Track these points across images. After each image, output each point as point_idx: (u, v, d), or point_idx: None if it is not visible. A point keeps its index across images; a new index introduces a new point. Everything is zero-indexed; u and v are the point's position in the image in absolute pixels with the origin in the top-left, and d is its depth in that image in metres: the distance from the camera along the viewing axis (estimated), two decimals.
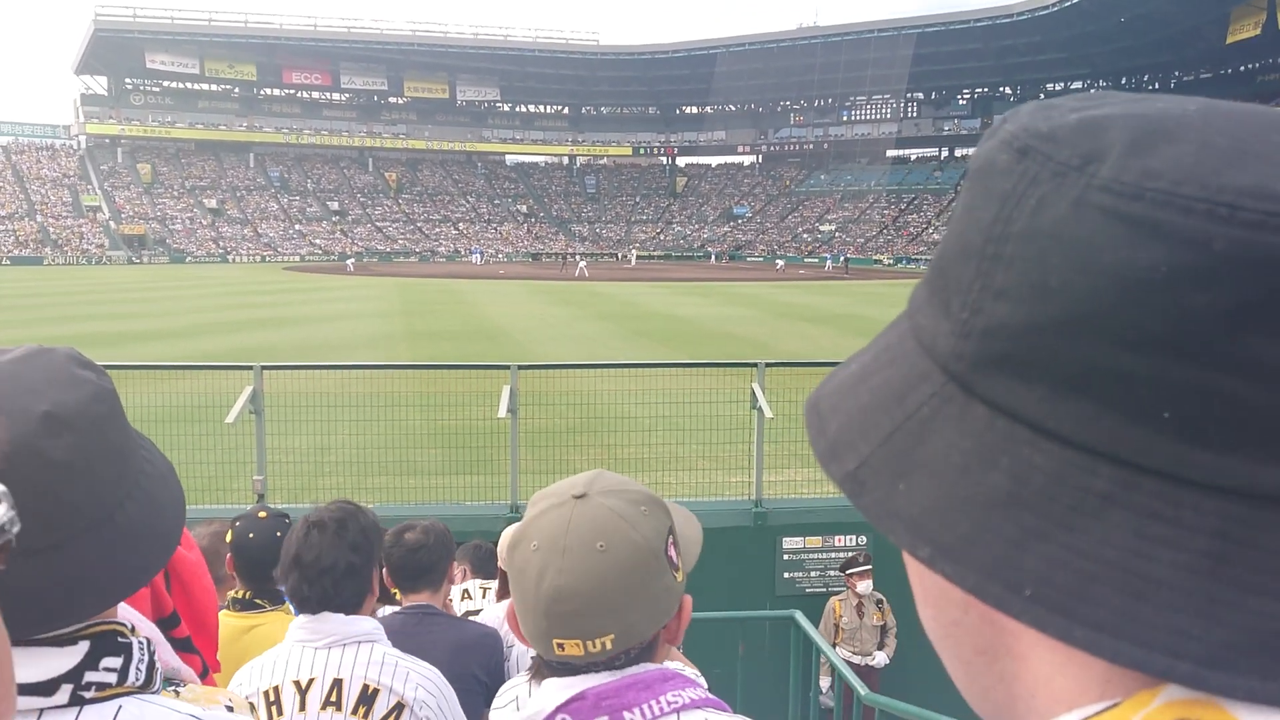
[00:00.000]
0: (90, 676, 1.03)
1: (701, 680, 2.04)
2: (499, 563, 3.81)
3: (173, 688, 1.22)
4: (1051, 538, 0.41)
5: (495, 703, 1.74)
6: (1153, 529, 0.40)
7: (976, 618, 0.46)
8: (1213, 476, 0.40)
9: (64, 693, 1.01)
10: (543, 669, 1.41)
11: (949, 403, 0.46)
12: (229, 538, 3.12)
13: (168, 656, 1.27)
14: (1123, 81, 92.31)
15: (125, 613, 1.21)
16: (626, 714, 1.31)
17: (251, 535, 3.08)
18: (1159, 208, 0.40)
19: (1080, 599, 0.40)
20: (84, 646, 1.04)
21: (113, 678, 1.05)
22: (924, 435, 0.46)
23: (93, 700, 1.03)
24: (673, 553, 1.37)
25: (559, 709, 1.33)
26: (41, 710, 0.99)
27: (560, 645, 1.33)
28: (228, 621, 3.00)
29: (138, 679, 1.08)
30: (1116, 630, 0.40)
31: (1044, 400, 0.43)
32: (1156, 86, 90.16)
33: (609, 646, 1.32)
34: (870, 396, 0.49)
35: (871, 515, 0.46)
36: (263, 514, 3.18)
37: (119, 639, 1.08)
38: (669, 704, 1.33)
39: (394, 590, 3.21)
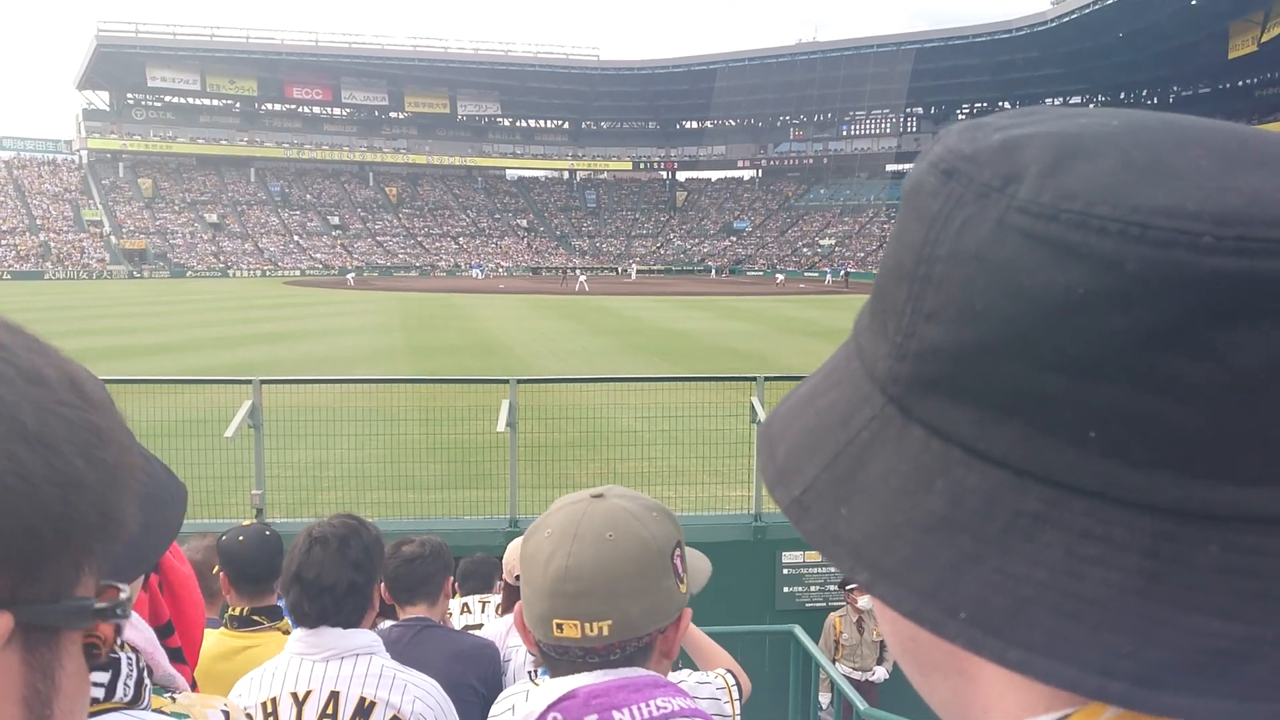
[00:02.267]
0: None
1: (735, 691, 2.04)
2: (503, 575, 3.80)
3: (168, 694, 1.21)
4: (986, 560, 0.42)
5: (493, 710, 1.74)
6: (1084, 549, 0.40)
7: (928, 636, 0.45)
8: (1142, 495, 0.40)
9: None
10: (547, 666, 1.45)
11: (888, 425, 0.46)
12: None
13: (164, 663, 1.26)
14: (1121, 96, 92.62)
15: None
16: (615, 713, 1.34)
17: (241, 539, 3.09)
18: (1074, 229, 0.40)
19: (1014, 621, 0.40)
20: None
21: (100, 693, 1.03)
22: (865, 459, 0.46)
23: None
24: (678, 562, 1.42)
25: (550, 707, 1.37)
26: None
27: (559, 626, 1.36)
28: (222, 640, 2.99)
29: (125, 694, 1.06)
30: (1049, 651, 0.39)
31: (975, 422, 0.43)
32: (1155, 102, 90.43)
33: (605, 633, 1.35)
34: (817, 419, 0.50)
35: (815, 541, 0.46)
36: (247, 522, 3.19)
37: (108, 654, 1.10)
38: (658, 709, 1.35)
39: (393, 604, 3.21)
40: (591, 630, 1.35)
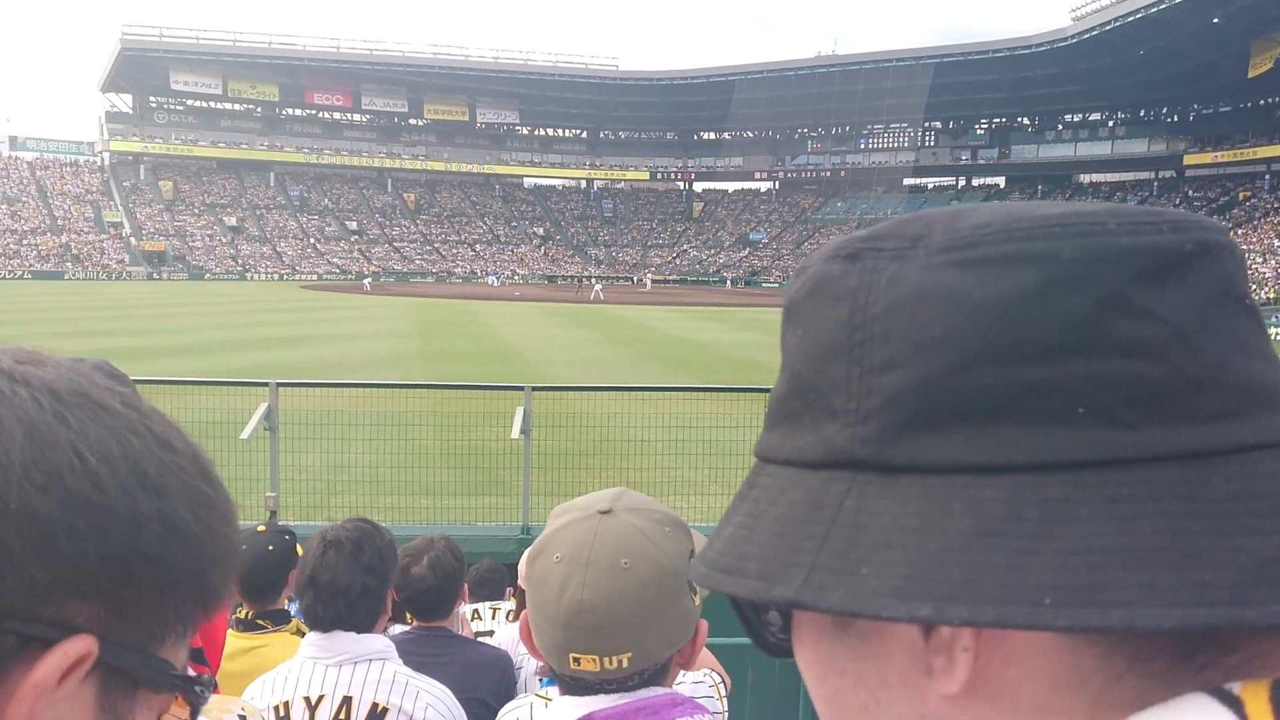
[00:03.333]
0: None
1: (722, 688, 2.06)
2: (519, 580, 3.80)
3: None
4: (1039, 550, 0.43)
5: None
6: (1121, 510, 0.43)
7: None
8: (1142, 450, 0.43)
9: None
10: (556, 680, 1.41)
11: (870, 487, 0.47)
12: None
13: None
14: (1141, 114, 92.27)
15: None
16: None
17: (243, 548, 3.07)
18: (1003, 243, 0.45)
19: (1099, 588, 0.41)
20: None
21: None
22: (861, 524, 0.46)
23: None
24: None
25: None
26: None
27: (576, 660, 1.32)
28: (230, 640, 3.00)
29: None
30: (1146, 600, 0.41)
31: (968, 440, 0.45)
32: (1175, 119, 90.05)
33: (625, 665, 1.31)
34: (779, 524, 0.49)
35: (848, 607, 0.45)
36: (261, 528, 3.18)
37: None
38: None
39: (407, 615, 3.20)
40: (611, 664, 1.31)
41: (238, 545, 0.62)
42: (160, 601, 0.55)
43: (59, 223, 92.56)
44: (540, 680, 2.57)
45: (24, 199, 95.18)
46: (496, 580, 5.12)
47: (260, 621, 3.09)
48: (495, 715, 2.86)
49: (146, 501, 0.53)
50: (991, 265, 0.45)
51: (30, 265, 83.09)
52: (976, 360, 0.45)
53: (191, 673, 0.59)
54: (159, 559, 0.54)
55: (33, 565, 0.49)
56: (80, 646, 0.51)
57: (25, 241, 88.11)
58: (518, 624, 3.73)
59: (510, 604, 4.49)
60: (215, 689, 1.57)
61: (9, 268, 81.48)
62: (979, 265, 0.45)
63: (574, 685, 1.37)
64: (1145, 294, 0.44)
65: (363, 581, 2.34)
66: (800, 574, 0.47)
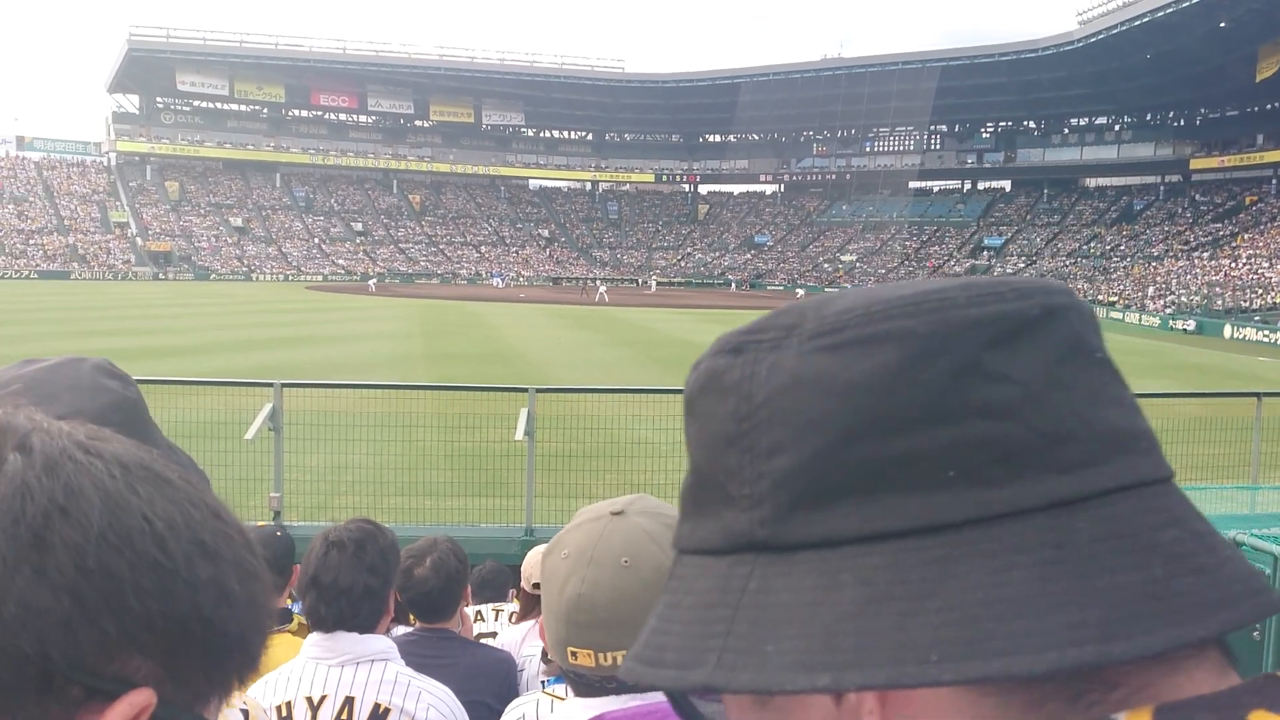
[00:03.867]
0: None
1: None
2: (520, 583, 3.79)
3: None
4: (922, 610, 0.45)
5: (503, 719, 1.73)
6: (993, 563, 0.46)
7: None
8: (1011, 505, 0.47)
9: None
10: (565, 680, 1.43)
11: (770, 567, 0.49)
12: None
13: None
14: (1147, 118, 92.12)
15: None
16: None
17: None
18: (866, 324, 0.49)
19: (977, 641, 0.44)
20: None
21: None
22: (764, 603, 0.49)
23: None
24: None
25: None
26: None
27: (574, 654, 1.35)
28: None
29: None
30: (1020, 648, 0.43)
31: (853, 513, 0.48)
32: (1182, 123, 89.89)
33: (619, 663, 1.33)
34: (692, 613, 0.52)
35: (757, 686, 0.47)
36: (259, 524, 3.18)
37: None
38: None
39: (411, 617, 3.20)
40: (605, 660, 1.32)
41: (274, 614, 0.66)
42: (209, 664, 0.59)
43: (65, 222, 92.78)
44: (544, 681, 2.56)
45: (31, 199, 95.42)
46: (500, 582, 5.12)
47: None
48: (498, 717, 2.87)
49: (204, 567, 0.57)
50: (857, 347, 0.48)
51: (36, 265, 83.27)
52: (852, 437, 0.48)
53: None
54: (212, 622, 0.57)
55: (105, 620, 0.53)
56: (143, 699, 0.54)
57: (32, 241, 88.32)
58: (520, 626, 3.73)
59: (514, 605, 4.49)
60: None
61: (15, 267, 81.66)
62: (846, 348, 0.49)
63: (578, 682, 1.39)
64: (997, 359, 0.48)
65: (365, 582, 2.34)
66: (712, 658, 0.49)
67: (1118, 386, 0.52)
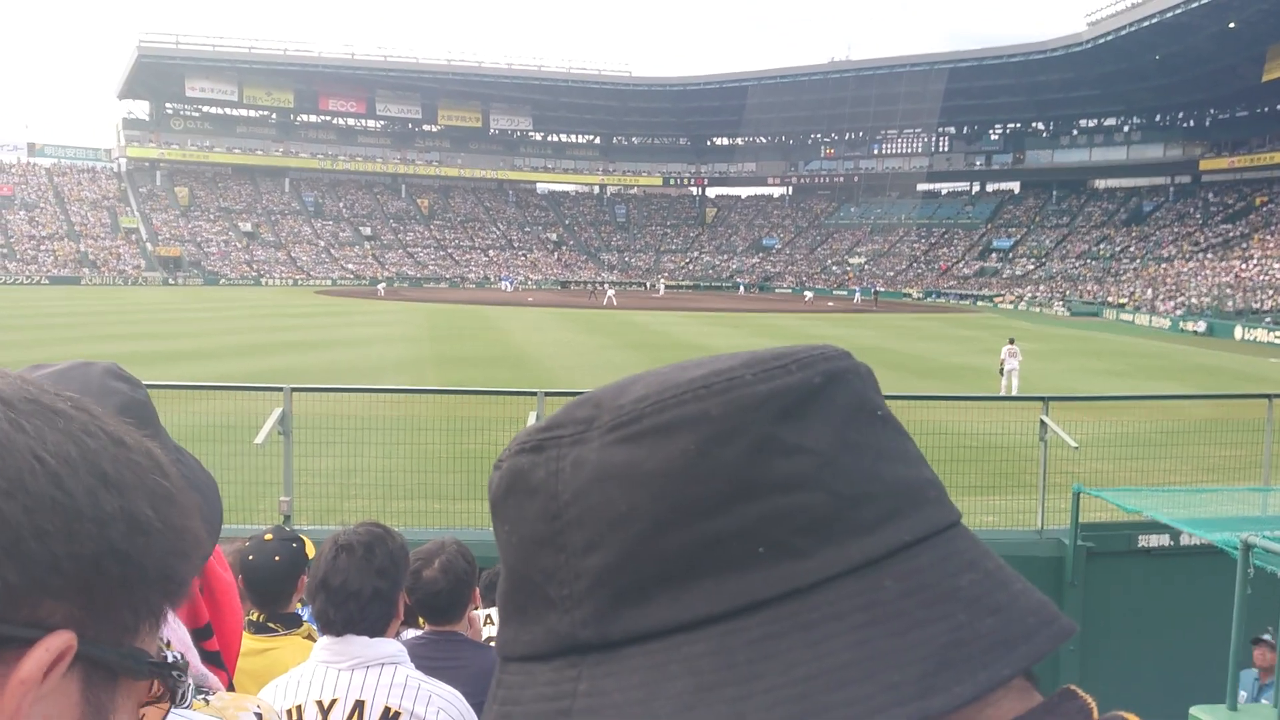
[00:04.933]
0: None
1: None
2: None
3: (202, 695, 1.22)
4: (753, 693, 0.45)
5: None
6: (813, 635, 0.46)
7: None
8: (822, 574, 0.47)
9: None
10: None
11: (598, 667, 0.49)
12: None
13: (196, 664, 1.26)
14: (1156, 119, 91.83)
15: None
16: None
17: (251, 558, 3.09)
18: (659, 413, 0.49)
19: (809, 716, 0.44)
20: None
21: None
22: (595, 706, 0.48)
23: None
24: None
25: None
26: None
27: None
28: (244, 641, 3.02)
29: None
30: (850, 715, 0.44)
31: (673, 602, 0.48)
32: (1191, 124, 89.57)
33: None
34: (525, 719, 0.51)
35: None
36: (268, 536, 3.18)
37: None
38: None
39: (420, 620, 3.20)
40: None
41: (200, 537, 0.63)
42: (132, 597, 0.56)
43: (76, 228, 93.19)
44: None
45: (42, 205, 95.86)
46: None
47: (272, 625, 3.11)
48: None
49: (110, 500, 0.54)
50: (654, 436, 0.48)
51: (48, 270, 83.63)
52: (661, 526, 0.48)
53: (169, 657, 0.60)
54: (128, 555, 0.55)
55: (5, 570, 0.50)
56: (60, 642, 0.52)
57: (43, 247, 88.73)
58: None
59: None
60: (188, 668, 1.57)
61: (27, 273, 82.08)
62: (644, 438, 0.49)
63: None
64: (789, 430, 0.49)
65: (374, 585, 2.34)
66: None
67: (901, 440, 0.53)
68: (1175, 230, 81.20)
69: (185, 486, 0.61)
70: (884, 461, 0.51)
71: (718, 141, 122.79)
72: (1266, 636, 6.76)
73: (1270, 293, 54.73)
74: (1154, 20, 71.55)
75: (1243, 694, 6.47)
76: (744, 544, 0.47)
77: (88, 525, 0.53)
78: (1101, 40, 78.82)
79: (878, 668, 0.45)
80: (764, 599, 0.47)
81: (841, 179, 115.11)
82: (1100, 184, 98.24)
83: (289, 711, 2.27)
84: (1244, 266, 63.00)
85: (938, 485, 0.53)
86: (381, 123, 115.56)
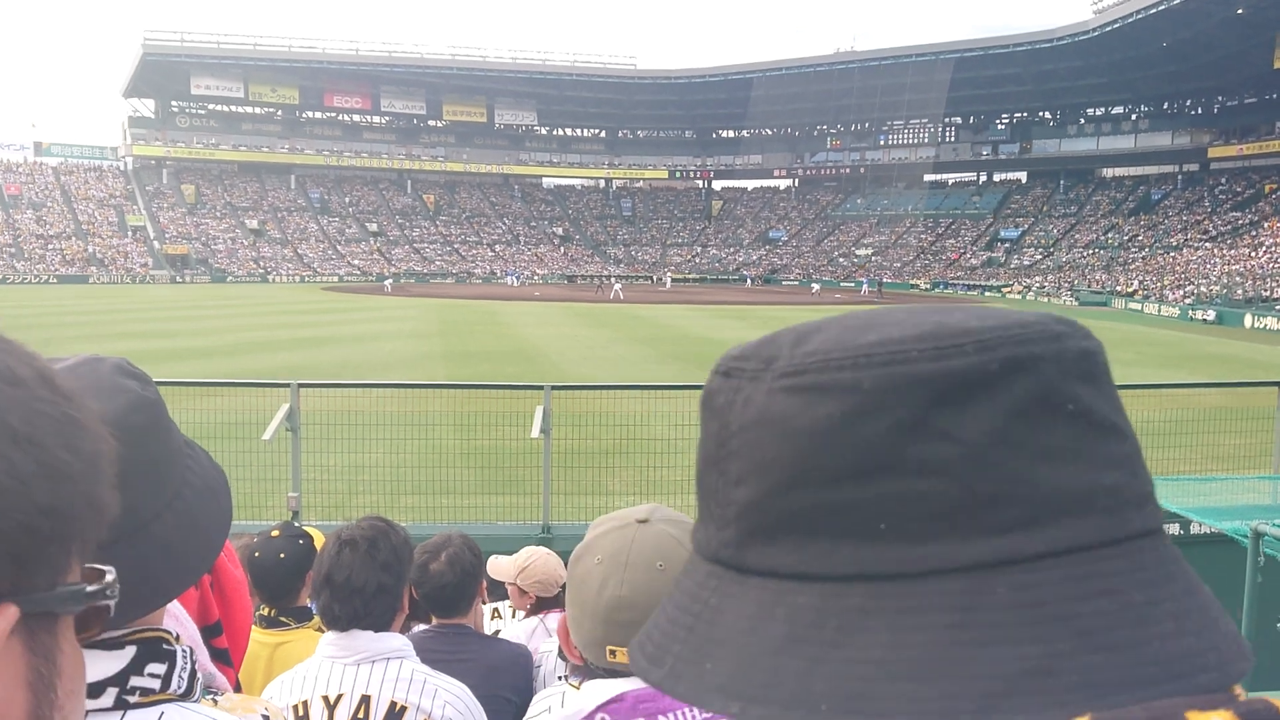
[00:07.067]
0: (135, 681, 1.05)
1: None
2: (513, 579, 3.81)
3: (210, 695, 1.23)
4: (829, 659, 0.47)
5: (530, 713, 1.73)
6: (903, 622, 0.47)
7: None
8: (930, 565, 0.48)
9: (109, 696, 1.03)
10: (586, 674, 1.52)
11: (730, 585, 0.53)
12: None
13: (205, 662, 1.28)
14: (1164, 107, 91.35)
15: (174, 610, 1.22)
16: (661, 717, 1.44)
17: (257, 554, 3.10)
18: (819, 373, 0.50)
19: (865, 698, 0.46)
20: (130, 651, 1.06)
21: (156, 684, 1.07)
22: (716, 620, 0.52)
23: (136, 705, 1.05)
24: None
25: (599, 708, 1.47)
26: (87, 712, 0.99)
27: (613, 652, 1.46)
28: (256, 638, 3.02)
29: (179, 686, 1.09)
30: (897, 710, 0.45)
31: (791, 551, 0.50)
32: (1200, 111, 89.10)
33: None
34: (673, 610, 0.56)
35: (690, 698, 0.51)
36: (275, 532, 3.19)
37: (164, 646, 1.10)
38: (701, 713, 1.39)
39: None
40: None
41: (114, 454, 0.59)
42: (62, 541, 0.55)
43: (83, 227, 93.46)
44: (562, 677, 2.56)
45: (49, 204, 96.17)
46: None
47: (283, 619, 3.13)
48: (516, 709, 2.87)
49: (23, 459, 0.52)
50: (811, 394, 0.50)
51: (55, 269, 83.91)
52: (794, 482, 0.50)
53: (96, 585, 0.59)
54: (53, 510, 0.53)
55: None
56: (5, 623, 0.51)
57: (51, 246, 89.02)
58: (527, 621, 3.73)
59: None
60: (239, 690, 1.57)
61: (35, 272, 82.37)
62: (803, 393, 0.50)
63: (608, 675, 1.49)
64: (942, 415, 0.48)
65: (379, 579, 2.34)
66: (669, 661, 0.53)
67: (1090, 440, 0.50)
68: (1184, 218, 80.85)
69: (85, 404, 0.58)
70: (1045, 463, 0.49)
71: (723, 134, 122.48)
72: None
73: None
74: (1161, 7, 71.20)
75: None
76: (867, 517, 0.48)
77: (10, 496, 0.51)
78: (1108, 28, 78.42)
79: (943, 673, 0.45)
80: (873, 573, 0.48)
81: (848, 170, 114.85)
82: (1108, 173, 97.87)
83: (295, 707, 2.27)
84: (1254, 254, 62.71)
85: (1115, 495, 0.50)
86: (387, 119, 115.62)
